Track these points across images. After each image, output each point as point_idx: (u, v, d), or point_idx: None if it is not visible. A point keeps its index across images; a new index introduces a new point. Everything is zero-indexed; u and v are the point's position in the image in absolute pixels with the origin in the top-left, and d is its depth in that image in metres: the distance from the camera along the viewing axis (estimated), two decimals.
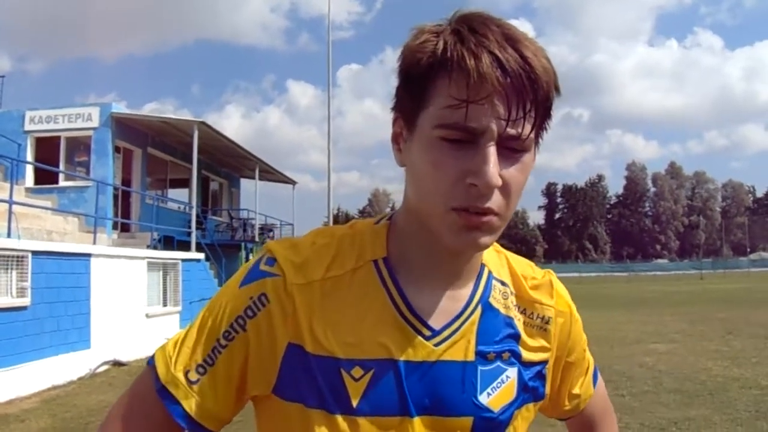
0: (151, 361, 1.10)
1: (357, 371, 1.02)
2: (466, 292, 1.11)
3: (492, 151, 0.93)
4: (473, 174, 0.93)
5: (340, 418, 1.00)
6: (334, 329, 1.03)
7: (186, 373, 1.05)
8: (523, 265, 1.22)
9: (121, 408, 1.10)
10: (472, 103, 0.91)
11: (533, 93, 0.93)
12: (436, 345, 1.05)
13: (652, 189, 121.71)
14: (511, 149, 0.95)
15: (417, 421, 1.03)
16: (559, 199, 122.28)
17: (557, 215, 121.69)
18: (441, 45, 0.94)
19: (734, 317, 18.19)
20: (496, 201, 0.95)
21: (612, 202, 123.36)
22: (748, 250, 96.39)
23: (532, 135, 0.96)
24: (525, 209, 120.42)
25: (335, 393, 1.01)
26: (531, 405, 1.15)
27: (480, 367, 1.08)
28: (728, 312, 19.88)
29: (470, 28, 0.95)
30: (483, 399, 1.07)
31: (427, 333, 1.06)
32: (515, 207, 1.02)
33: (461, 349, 1.07)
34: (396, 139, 1.06)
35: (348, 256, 1.09)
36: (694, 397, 8.27)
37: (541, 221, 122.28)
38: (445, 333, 1.07)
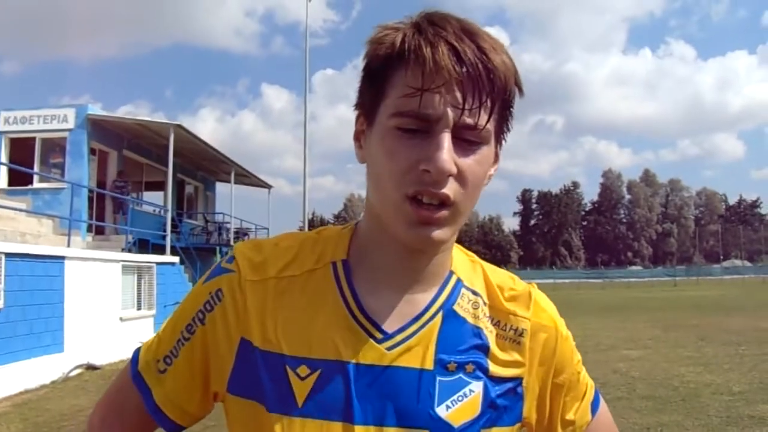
0: (135, 351, 1.16)
1: (303, 370, 1.01)
2: (426, 296, 1.07)
3: (446, 137, 0.93)
4: (427, 160, 0.93)
5: (284, 418, 0.99)
6: (284, 327, 1.03)
7: (156, 362, 1.11)
8: (501, 276, 1.16)
9: (108, 396, 1.19)
10: (427, 91, 0.92)
11: (490, 84, 0.93)
12: (389, 349, 1.02)
13: (627, 196, 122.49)
14: (468, 140, 0.95)
15: (367, 428, 0.99)
16: (534, 206, 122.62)
17: (532, 222, 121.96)
18: (400, 37, 0.96)
19: (707, 324, 18.37)
20: (451, 188, 0.94)
21: (587, 209, 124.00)
22: (721, 257, 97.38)
23: (490, 127, 0.96)
24: (500, 215, 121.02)
25: (280, 391, 1.00)
26: (506, 428, 1.07)
27: (439, 378, 1.02)
28: (701, 319, 20.06)
29: (429, 21, 0.96)
30: (441, 412, 1.01)
31: (379, 336, 1.03)
32: (474, 202, 1.01)
33: (418, 355, 1.03)
34: (357, 136, 1.07)
35: (308, 257, 1.10)
36: (666, 403, 8.35)
37: (516, 228, 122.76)
38: (399, 337, 1.03)
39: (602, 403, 1.21)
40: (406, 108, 0.94)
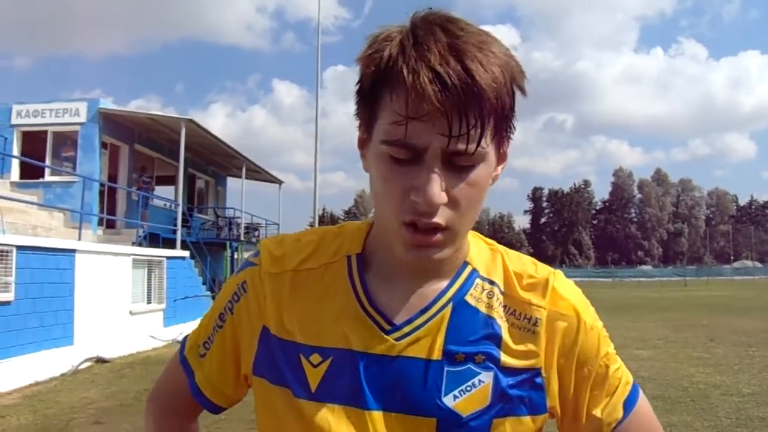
0: (185, 338, 1.29)
1: (315, 358, 1.06)
2: (436, 289, 1.08)
3: (434, 168, 0.93)
4: (416, 191, 0.93)
5: (301, 401, 1.05)
6: (300, 317, 1.09)
7: (197, 347, 1.23)
8: (521, 263, 1.15)
9: (160, 378, 1.34)
10: (412, 119, 0.91)
11: (478, 108, 0.91)
12: (397, 340, 1.04)
13: (638, 195, 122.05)
14: (459, 166, 0.95)
15: (378, 414, 1.02)
16: (544, 204, 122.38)
17: (543, 220, 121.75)
18: (386, 57, 0.93)
19: (717, 324, 18.29)
20: (444, 216, 0.95)
21: (597, 208, 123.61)
22: (732, 258, 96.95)
23: (482, 149, 0.94)
24: (511, 213, 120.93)
25: (297, 377, 1.06)
26: (527, 418, 1.06)
27: (447, 368, 1.04)
28: (711, 319, 19.98)
29: (415, 37, 0.93)
30: (448, 401, 1.02)
31: (387, 327, 1.05)
32: (474, 217, 1.02)
33: (425, 346, 1.04)
34: (360, 144, 1.07)
35: (326, 251, 1.15)
36: (675, 404, 8.32)
37: (527, 226, 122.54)
38: (407, 328, 1.05)
39: (641, 403, 1.14)
40: (394, 137, 0.94)
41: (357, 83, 1.00)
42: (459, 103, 0.90)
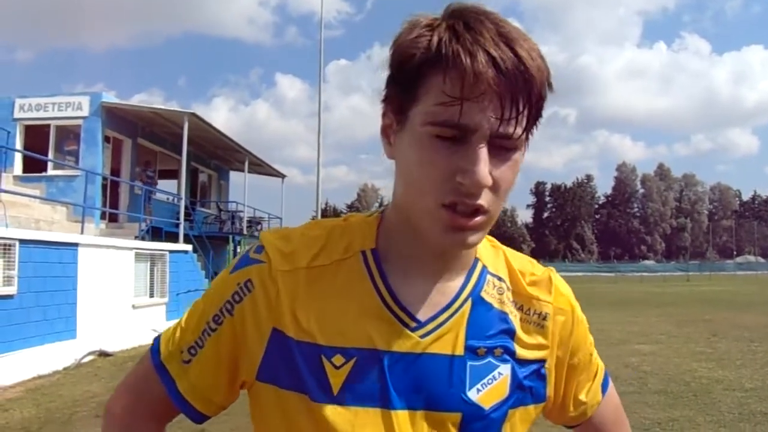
0: (156, 339, 1.17)
1: (338, 359, 1.02)
2: (455, 284, 1.09)
3: (483, 150, 0.93)
4: (463, 173, 0.93)
5: (322, 406, 1.01)
6: (318, 316, 1.05)
7: (180, 353, 1.12)
8: (521, 261, 1.19)
9: (128, 382, 1.20)
10: (466, 101, 0.91)
11: (527, 93, 0.93)
12: (422, 337, 1.04)
13: (641, 190, 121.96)
14: (503, 148, 0.95)
15: (402, 413, 1.02)
16: (547, 198, 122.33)
17: (545, 214, 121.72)
18: (435, 41, 0.94)
19: (720, 319, 18.29)
20: (486, 198, 0.95)
21: (600, 203, 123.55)
22: (735, 253, 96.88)
23: (523, 135, 0.96)
24: (514, 207, 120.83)
25: (317, 380, 1.02)
26: (531, 407, 1.12)
27: (469, 362, 1.05)
28: (714, 314, 19.97)
29: (465, 23, 0.94)
30: (472, 395, 1.04)
31: (413, 324, 1.05)
32: (505, 202, 1.03)
33: (449, 342, 1.05)
34: (385, 131, 1.06)
35: (337, 246, 1.10)
36: (678, 398, 8.32)
37: (529, 220, 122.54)
38: (431, 325, 1.05)
39: (611, 385, 1.27)
40: (443, 117, 0.93)
41: (393, 67, 0.99)
42: (512, 87, 0.91)
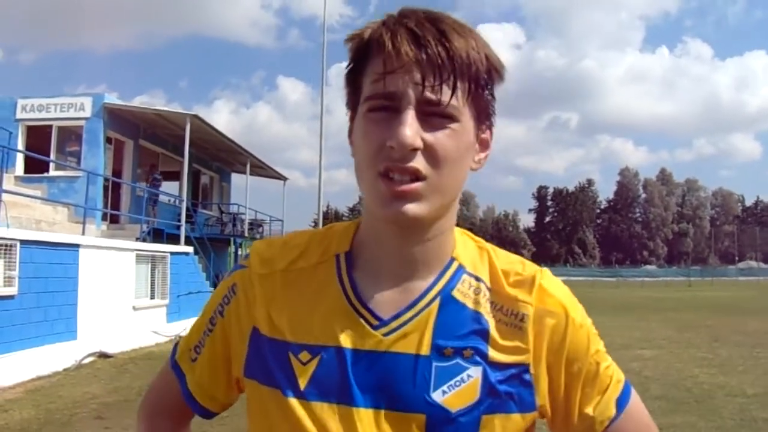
0: (177, 340, 1.30)
1: (304, 355, 1.06)
2: (423, 284, 1.08)
3: (409, 113, 0.96)
4: (390, 137, 0.96)
5: (290, 400, 1.04)
6: (289, 316, 1.09)
7: (189, 351, 1.22)
8: (508, 260, 1.15)
9: (153, 383, 1.33)
10: (389, 73, 0.97)
11: (450, 62, 0.96)
12: (385, 335, 1.04)
13: (643, 195, 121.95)
14: (435, 114, 0.98)
15: (366, 411, 1.02)
16: (549, 203, 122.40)
17: (547, 218, 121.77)
18: (367, 34, 1.02)
19: (721, 325, 18.29)
20: (420, 162, 0.97)
21: (602, 207, 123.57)
22: (737, 258, 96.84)
23: (455, 103, 0.98)
24: (516, 211, 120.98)
25: (286, 375, 1.06)
26: (516, 415, 1.05)
27: (435, 363, 1.03)
28: (715, 320, 19.98)
29: (398, 13, 1.02)
30: (437, 397, 1.02)
31: (375, 322, 1.06)
32: (456, 179, 1.03)
33: (413, 341, 1.04)
34: (349, 134, 1.10)
35: (315, 251, 1.15)
36: (679, 404, 8.30)
37: (531, 224, 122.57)
38: (394, 323, 1.05)
39: (634, 401, 1.14)
40: (374, 91, 0.99)
41: (346, 66, 1.06)
42: (432, 56, 0.96)
